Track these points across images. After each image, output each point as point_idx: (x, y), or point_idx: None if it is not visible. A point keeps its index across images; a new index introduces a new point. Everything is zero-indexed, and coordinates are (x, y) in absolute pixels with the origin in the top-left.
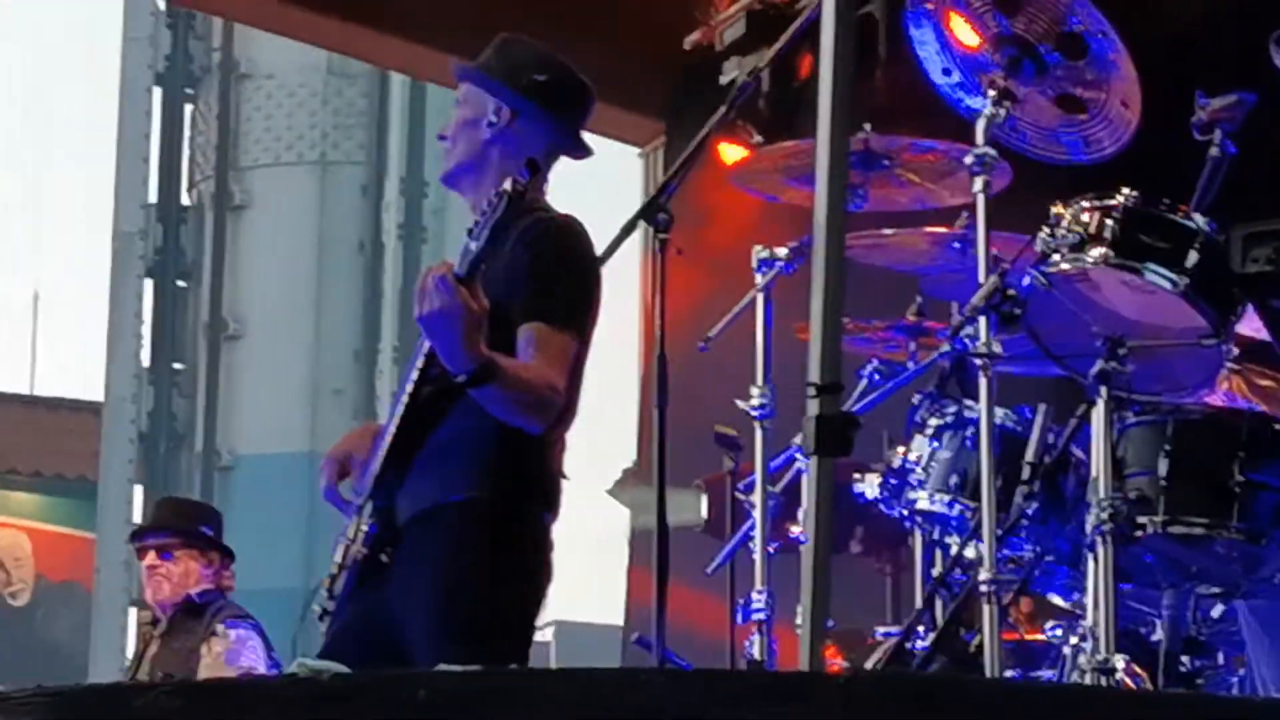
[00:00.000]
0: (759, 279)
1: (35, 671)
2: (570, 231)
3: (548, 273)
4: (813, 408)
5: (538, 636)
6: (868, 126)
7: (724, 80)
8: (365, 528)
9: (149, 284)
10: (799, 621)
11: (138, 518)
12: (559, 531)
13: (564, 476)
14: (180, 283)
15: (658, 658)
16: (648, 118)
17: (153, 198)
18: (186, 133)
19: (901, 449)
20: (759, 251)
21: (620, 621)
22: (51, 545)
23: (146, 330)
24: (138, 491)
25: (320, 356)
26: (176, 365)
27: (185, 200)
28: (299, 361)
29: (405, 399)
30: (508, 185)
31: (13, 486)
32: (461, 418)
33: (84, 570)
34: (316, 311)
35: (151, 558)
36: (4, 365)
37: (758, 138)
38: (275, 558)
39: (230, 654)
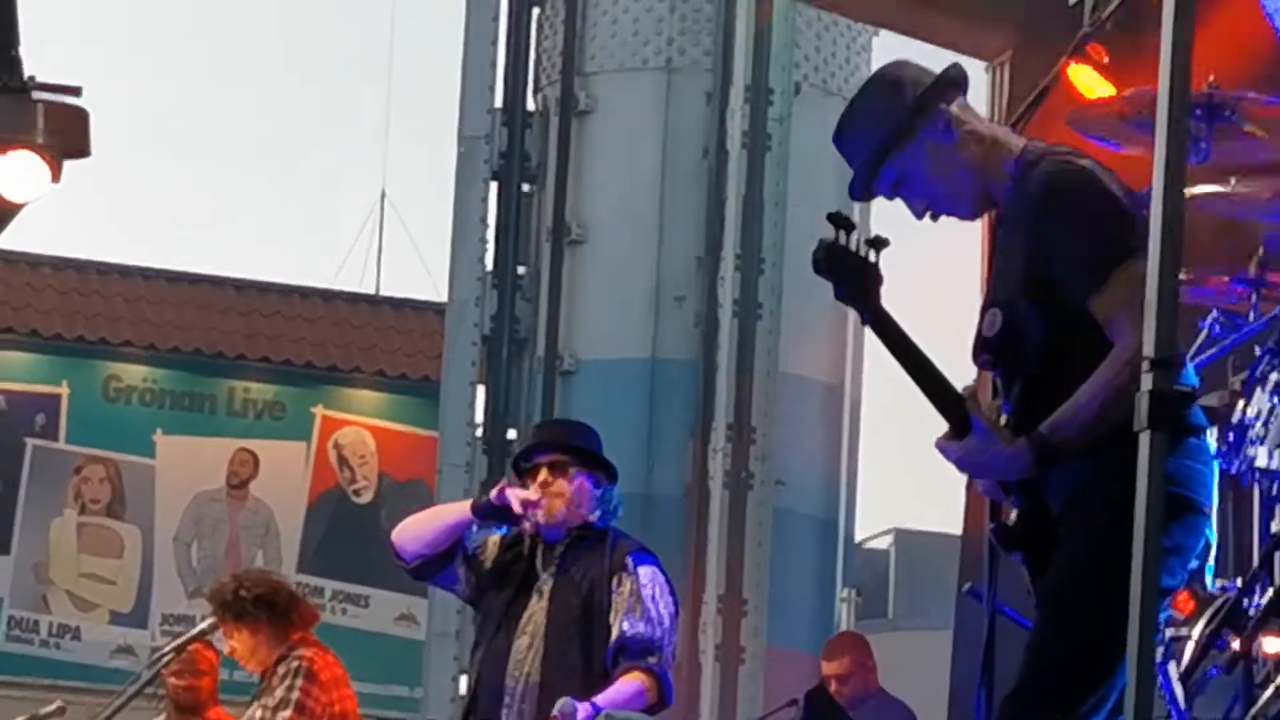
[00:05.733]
0: None
1: (378, 568)
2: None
3: (1066, 240)
4: (1146, 382)
5: (875, 544)
6: (1212, 78)
7: None
8: None
9: (494, 188)
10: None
11: (479, 419)
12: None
13: None
14: (525, 187)
15: (987, 612)
16: (996, 31)
17: (498, 103)
18: (533, 38)
19: (1241, 403)
20: None
21: (959, 531)
22: (395, 444)
23: (490, 234)
24: (480, 393)
25: (663, 263)
26: (520, 269)
27: (530, 105)
28: (641, 267)
29: None
30: None
31: (357, 385)
32: None
33: (427, 469)
34: (660, 218)
35: (544, 474)
36: (350, 266)
37: (1107, 59)
38: (616, 462)
39: (645, 594)
